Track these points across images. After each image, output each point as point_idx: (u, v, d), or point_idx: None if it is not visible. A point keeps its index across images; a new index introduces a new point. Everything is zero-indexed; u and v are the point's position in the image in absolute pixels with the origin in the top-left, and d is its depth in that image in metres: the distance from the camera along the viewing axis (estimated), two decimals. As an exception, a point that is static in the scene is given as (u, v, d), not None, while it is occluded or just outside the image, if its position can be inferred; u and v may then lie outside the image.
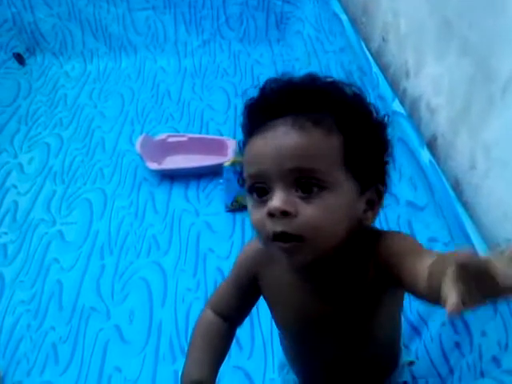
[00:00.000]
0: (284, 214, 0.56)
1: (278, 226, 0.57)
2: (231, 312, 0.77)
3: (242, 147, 0.66)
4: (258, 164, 0.60)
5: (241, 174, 0.66)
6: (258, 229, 0.60)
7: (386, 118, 0.64)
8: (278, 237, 0.58)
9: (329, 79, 0.63)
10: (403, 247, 0.61)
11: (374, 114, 0.63)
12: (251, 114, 0.64)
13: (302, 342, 0.75)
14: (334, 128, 0.59)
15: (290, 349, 0.82)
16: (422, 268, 0.50)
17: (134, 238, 1.51)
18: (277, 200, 0.57)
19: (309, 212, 0.57)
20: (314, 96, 0.60)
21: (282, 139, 0.58)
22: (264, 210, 0.58)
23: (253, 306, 0.78)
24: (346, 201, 0.59)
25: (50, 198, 1.68)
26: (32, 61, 2.45)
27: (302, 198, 0.57)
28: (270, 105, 0.61)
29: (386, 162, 0.64)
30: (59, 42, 2.44)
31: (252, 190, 0.61)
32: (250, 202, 0.62)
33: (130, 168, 1.77)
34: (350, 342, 0.71)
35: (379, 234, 0.66)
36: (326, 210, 0.57)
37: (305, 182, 0.57)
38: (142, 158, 1.68)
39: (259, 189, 0.60)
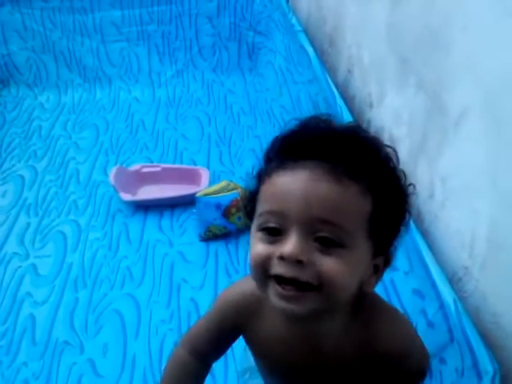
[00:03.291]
0: (298, 262, 0.53)
1: (288, 271, 0.54)
2: (209, 352, 0.76)
3: (258, 179, 0.62)
4: (279, 202, 0.55)
5: (250, 205, 0.62)
6: (259, 262, 0.56)
7: (410, 187, 0.61)
8: (281, 279, 0.55)
9: (370, 135, 0.60)
10: (397, 356, 0.66)
11: (402, 180, 0.60)
12: (285, 146, 0.59)
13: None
14: (367, 189, 0.56)
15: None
16: None
17: (107, 269, 1.51)
18: (292, 246, 0.53)
19: (328, 263, 0.54)
20: (354, 149, 0.56)
21: (315, 184, 0.54)
22: (274, 249, 0.55)
23: (230, 345, 0.77)
24: (362, 263, 0.57)
25: (23, 231, 1.68)
26: (6, 92, 2.46)
27: (319, 250, 0.54)
28: (308, 143, 0.56)
29: (400, 232, 0.62)
30: (33, 73, 2.46)
31: (262, 228, 0.57)
32: (255, 235, 0.58)
33: (104, 199, 1.79)
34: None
35: (380, 312, 0.67)
36: (344, 265, 0.54)
37: (324, 236, 0.54)
38: (115, 189, 1.70)
39: (271, 228, 0.56)
